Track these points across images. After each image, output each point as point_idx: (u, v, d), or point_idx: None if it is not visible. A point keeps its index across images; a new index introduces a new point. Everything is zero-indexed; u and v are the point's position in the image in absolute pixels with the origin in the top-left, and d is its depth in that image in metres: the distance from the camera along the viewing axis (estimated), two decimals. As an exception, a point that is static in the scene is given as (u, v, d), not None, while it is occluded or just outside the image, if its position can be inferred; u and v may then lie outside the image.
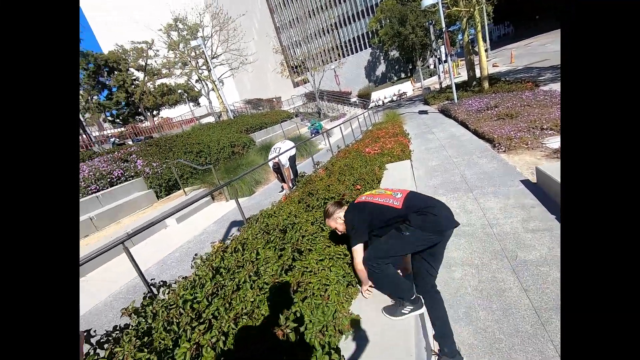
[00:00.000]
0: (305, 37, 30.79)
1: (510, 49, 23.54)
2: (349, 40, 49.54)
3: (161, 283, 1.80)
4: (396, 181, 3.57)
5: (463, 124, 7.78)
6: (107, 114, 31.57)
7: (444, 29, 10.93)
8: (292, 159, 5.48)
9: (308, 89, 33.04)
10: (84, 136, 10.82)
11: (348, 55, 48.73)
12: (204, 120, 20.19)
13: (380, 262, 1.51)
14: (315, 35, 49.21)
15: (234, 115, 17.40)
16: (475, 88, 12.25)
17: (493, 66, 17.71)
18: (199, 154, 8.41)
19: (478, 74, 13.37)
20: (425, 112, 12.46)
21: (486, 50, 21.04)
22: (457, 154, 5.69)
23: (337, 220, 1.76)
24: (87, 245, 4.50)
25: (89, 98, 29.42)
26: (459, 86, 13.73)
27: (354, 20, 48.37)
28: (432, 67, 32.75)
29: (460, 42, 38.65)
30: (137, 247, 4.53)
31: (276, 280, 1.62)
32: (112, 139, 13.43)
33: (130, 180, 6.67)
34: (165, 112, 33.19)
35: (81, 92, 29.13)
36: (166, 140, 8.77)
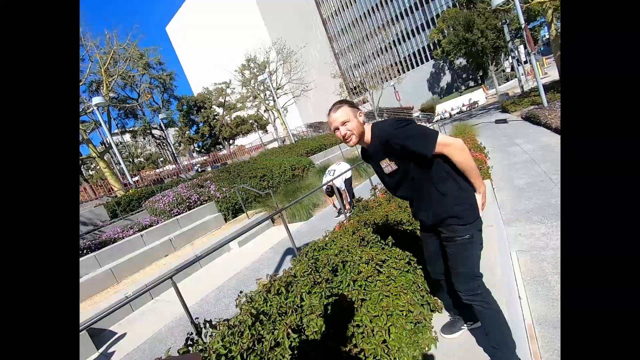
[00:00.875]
0: (363, 58, 31.33)
1: (617, 36, 19.28)
2: (408, 56, 48.31)
3: (204, 324, 1.69)
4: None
5: (559, 131, 6.34)
6: (195, 145, 37.31)
7: (523, 26, 9.50)
8: (348, 182, 5.22)
9: (367, 108, 33.01)
10: (175, 165, 12.81)
11: (408, 70, 47.45)
12: (270, 146, 21.86)
13: (482, 283, 1.28)
14: (373, 55, 49.71)
15: (296, 139, 18.33)
16: (572, 87, 10.11)
17: (594, 59, 14.57)
18: (263, 178, 8.89)
19: (574, 71, 11.10)
20: (504, 120, 10.81)
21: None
22: (557, 169, 4.54)
23: (358, 119, 1.31)
24: (165, 265, 4.97)
25: (183, 133, 35.52)
26: (548, 88, 11.61)
27: (413, 36, 47.22)
28: (508, 70, 29.07)
29: (544, 38, 33.56)
30: (201, 271, 4.81)
31: (319, 342, 1.32)
32: (196, 167, 15.54)
33: (204, 204, 7.38)
34: (239, 141, 37.43)
35: (177, 128, 35.40)
36: (235, 167, 9.60)
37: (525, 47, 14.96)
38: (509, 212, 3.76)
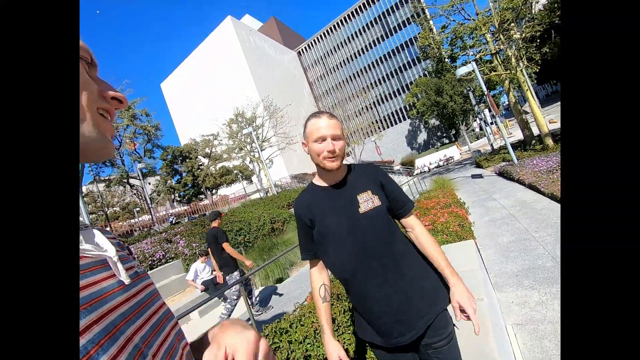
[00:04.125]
0: (347, 116, 33.73)
1: (565, 104, 22.01)
2: (387, 115, 52.64)
3: None
4: (458, 270, 2.63)
5: (533, 187, 6.52)
6: (176, 194, 36.22)
7: (485, 93, 10.60)
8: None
9: (350, 161, 34.30)
10: (149, 216, 12.01)
11: (388, 127, 51.17)
12: (253, 197, 21.50)
13: None
14: (355, 113, 53.81)
15: (279, 191, 18.17)
16: (537, 146, 10.93)
17: (550, 122, 16.26)
18: (239, 232, 8.33)
19: (536, 132, 12.16)
20: (479, 175, 11.25)
21: (537, 108, 19.85)
22: (537, 227, 4.45)
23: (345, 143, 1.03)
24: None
25: (164, 182, 34.68)
26: (515, 146, 12.52)
27: (391, 98, 52.25)
28: (477, 129, 31.89)
29: (504, 104, 38.00)
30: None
31: None
32: (170, 218, 14.67)
33: (170, 262, 6.63)
34: (223, 191, 36.85)
35: (158, 178, 34.67)
36: (211, 219, 9.05)
37: (490, 111, 16.62)
38: (497, 275, 3.48)
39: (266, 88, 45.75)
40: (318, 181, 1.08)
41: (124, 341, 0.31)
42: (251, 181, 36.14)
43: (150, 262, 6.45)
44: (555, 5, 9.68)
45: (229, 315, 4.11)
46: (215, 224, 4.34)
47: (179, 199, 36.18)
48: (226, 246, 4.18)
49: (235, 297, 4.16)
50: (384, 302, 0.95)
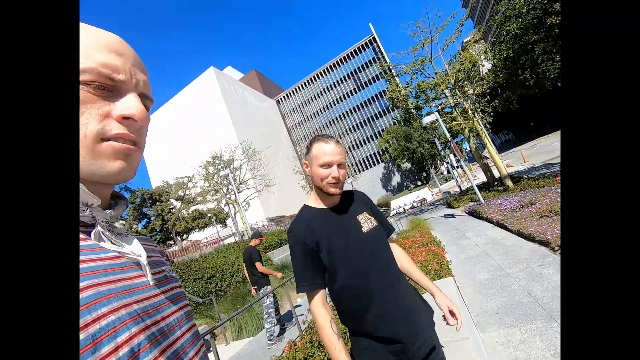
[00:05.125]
0: (323, 159, 34.90)
1: (517, 151, 24.57)
2: (363, 159, 55.23)
3: None
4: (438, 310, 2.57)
5: (501, 225, 6.87)
6: (142, 240, 33.31)
7: (449, 140, 11.66)
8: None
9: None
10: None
11: (363, 170, 53.27)
12: (227, 241, 20.40)
13: None
14: (332, 157, 55.73)
15: (256, 233, 17.50)
16: (499, 187, 11.82)
17: (507, 166, 17.90)
18: (210, 280, 7.70)
19: (497, 174, 13.25)
20: (451, 215, 11.73)
21: (495, 154, 21.96)
22: (510, 263, 4.60)
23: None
24: None
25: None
26: (480, 187, 13.43)
27: (365, 143, 55.46)
28: (445, 172, 34.14)
29: (467, 149, 41.74)
30: None
31: None
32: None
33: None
34: (195, 235, 34.68)
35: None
36: (180, 266, 8.33)
37: (455, 155, 18.07)
38: (478, 314, 3.44)
39: (245, 132, 46.87)
40: (315, 203, 1.07)
41: (143, 326, 0.37)
42: (226, 225, 34.60)
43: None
44: (498, 69, 11.43)
45: (275, 326, 4.45)
46: (252, 243, 4.81)
47: (144, 246, 33.24)
48: (258, 265, 4.61)
49: (271, 309, 4.46)
50: (403, 317, 0.96)
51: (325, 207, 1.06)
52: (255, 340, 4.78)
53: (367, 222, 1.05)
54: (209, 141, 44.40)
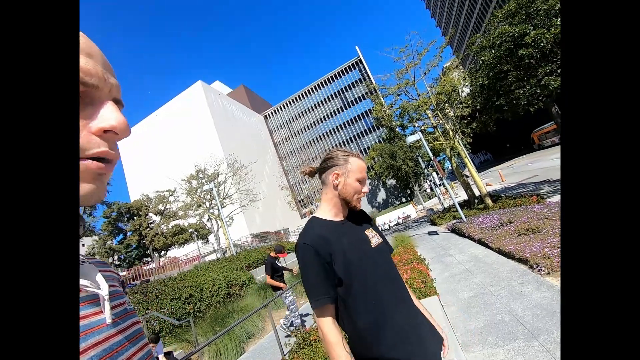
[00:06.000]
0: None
1: (495, 170, 25.71)
2: (349, 175, 55.69)
3: None
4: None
5: (482, 242, 7.05)
6: (117, 257, 31.46)
7: (432, 159, 12.07)
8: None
9: (314, 218, 34.21)
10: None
11: (349, 187, 53.68)
12: (209, 258, 19.62)
13: None
14: (319, 173, 56.05)
15: (238, 250, 16.97)
16: (480, 205, 12.22)
17: (487, 185, 18.62)
18: (188, 300, 7.31)
19: (477, 193, 13.73)
20: (435, 232, 11.93)
21: (475, 173, 22.86)
22: (492, 281, 4.68)
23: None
24: None
25: (103, 243, 30.21)
26: (461, 205, 13.83)
27: (351, 160, 56.17)
28: (428, 190, 35.02)
29: (448, 168, 43.24)
30: None
31: None
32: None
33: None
34: (174, 252, 33.15)
35: (97, 238, 30.29)
36: (156, 285, 7.88)
37: (437, 174, 18.64)
38: (463, 333, 3.44)
39: (231, 146, 46.49)
40: (326, 215, 1.06)
41: None
42: (207, 241, 33.41)
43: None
44: (476, 94, 12.18)
45: (297, 319, 5.05)
46: (272, 253, 5.36)
47: (118, 263, 31.35)
48: (267, 278, 5.15)
49: (292, 305, 5.04)
50: (418, 333, 0.95)
51: (336, 219, 1.05)
52: (234, 365, 4.52)
53: (374, 237, 1.06)
54: (193, 155, 43.62)
